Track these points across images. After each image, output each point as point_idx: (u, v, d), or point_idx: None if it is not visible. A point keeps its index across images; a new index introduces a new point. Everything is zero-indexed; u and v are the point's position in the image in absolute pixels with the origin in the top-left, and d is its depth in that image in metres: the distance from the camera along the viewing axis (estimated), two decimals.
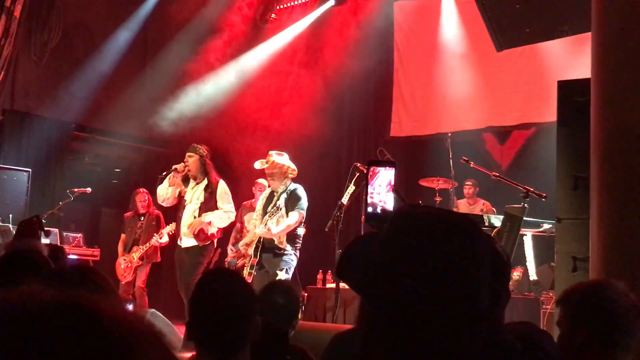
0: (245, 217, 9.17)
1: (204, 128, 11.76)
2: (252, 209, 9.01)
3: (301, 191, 7.50)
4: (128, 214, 9.68)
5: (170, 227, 8.84)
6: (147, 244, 9.12)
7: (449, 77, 11.52)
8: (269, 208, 7.41)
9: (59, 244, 8.77)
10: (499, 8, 5.46)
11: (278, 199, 7.45)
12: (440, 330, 1.18)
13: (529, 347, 1.79)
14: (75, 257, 9.58)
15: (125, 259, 9.28)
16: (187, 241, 7.82)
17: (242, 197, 9.58)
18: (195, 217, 7.76)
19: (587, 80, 4.43)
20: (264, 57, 12.64)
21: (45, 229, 3.19)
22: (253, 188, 9.49)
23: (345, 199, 7.69)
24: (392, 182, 4.20)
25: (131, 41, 11.67)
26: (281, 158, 7.55)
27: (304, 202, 7.45)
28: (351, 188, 7.74)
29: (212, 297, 2.44)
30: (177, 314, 8.13)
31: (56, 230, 9.75)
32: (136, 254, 9.19)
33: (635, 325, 2.43)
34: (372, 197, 4.42)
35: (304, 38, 12.73)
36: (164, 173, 8.09)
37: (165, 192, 7.98)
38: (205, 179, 7.86)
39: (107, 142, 12.05)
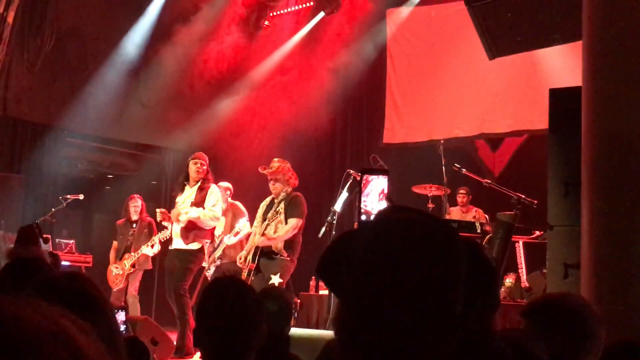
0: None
1: (198, 135, 11.77)
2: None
3: (301, 199, 7.58)
4: (120, 220, 9.66)
5: (163, 234, 8.84)
6: (139, 252, 9.11)
7: (442, 85, 11.56)
8: (269, 214, 7.46)
9: (51, 250, 8.75)
10: (491, 17, 5.49)
11: (278, 205, 7.51)
12: (414, 335, 1.19)
13: (519, 353, 1.80)
14: (67, 263, 9.56)
15: (117, 267, 9.26)
16: (177, 242, 7.86)
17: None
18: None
19: (578, 88, 4.46)
20: (258, 64, 12.66)
21: (44, 235, 3.21)
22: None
23: (338, 206, 7.71)
24: (385, 190, 4.23)
25: (125, 47, 11.67)
26: (285, 165, 7.62)
27: (303, 210, 7.49)
28: (344, 195, 7.76)
29: (219, 304, 2.47)
30: (170, 321, 8.13)
31: (49, 236, 9.72)
32: (128, 261, 9.16)
33: (600, 333, 2.49)
34: (365, 205, 4.44)
35: (297, 46, 12.76)
36: (181, 179, 8.13)
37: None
38: (200, 182, 7.92)
39: (100, 148, 12.03)
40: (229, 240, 8.66)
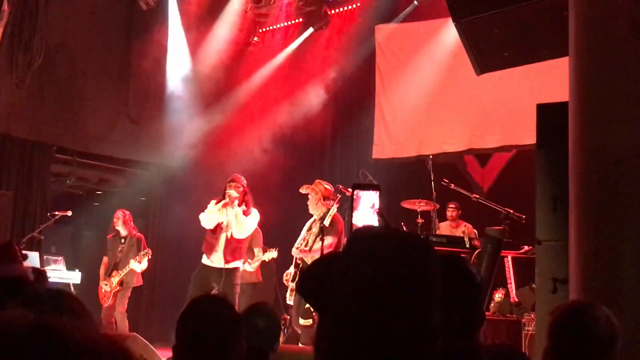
0: None
1: (187, 150, 11.76)
2: None
3: (338, 218, 7.80)
4: (110, 235, 9.64)
5: (147, 253, 8.93)
6: (126, 268, 9.08)
7: (430, 100, 11.60)
8: (307, 233, 7.87)
9: (39, 267, 8.70)
10: (478, 32, 5.52)
11: (315, 223, 7.83)
12: (391, 347, 1.20)
13: None
14: (56, 280, 9.50)
15: (105, 284, 9.23)
16: (220, 262, 7.86)
17: None
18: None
19: (565, 103, 4.48)
20: (248, 80, 12.68)
21: (23, 252, 3.18)
22: None
23: (327, 221, 7.71)
24: (376, 205, 4.23)
25: (113, 63, 11.67)
26: (324, 186, 8.04)
27: (340, 228, 7.74)
28: (334, 209, 7.77)
29: (198, 322, 2.50)
30: (158, 338, 8.10)
31: (36, 253, 9.67)
32: (115, 278, 9.14)
33: (612, 352, 2.49)
34: (356, 220, 4.44)
35: (286, 62, 12.79)
36: (216, 202, 8.04)
37: (208, 218, 7.98)
38: (243, 206, 7.96)
39: (89, 164, 12.00)
40: (250, 267, 9.06)
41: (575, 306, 2.86)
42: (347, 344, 1.21)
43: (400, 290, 1.21)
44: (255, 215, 8.00)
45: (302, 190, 8.06)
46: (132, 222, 9.61)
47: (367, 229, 1.40)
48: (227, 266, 7.81)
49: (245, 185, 8.04)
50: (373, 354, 1.19)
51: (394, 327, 1.20)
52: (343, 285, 1.24)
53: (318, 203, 7.87)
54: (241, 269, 8.15)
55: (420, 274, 1.24)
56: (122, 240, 9.44)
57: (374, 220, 3.97)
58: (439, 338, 1.25)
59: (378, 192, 3.85)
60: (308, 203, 8.02)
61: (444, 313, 1.27)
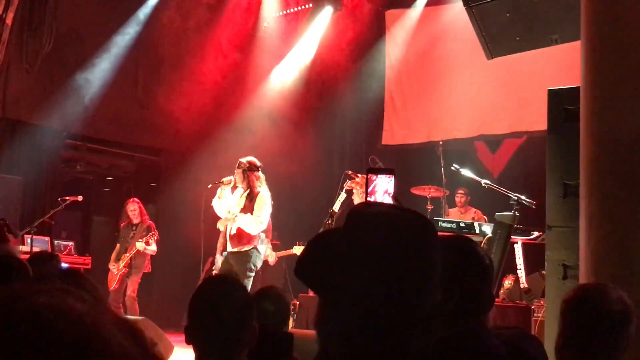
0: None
1: (197, 138, 11.77)
2: None
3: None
4: (123, 223, 9.70)
5: (153, 235, 8.99)
6: (133, 250, 9.17)
7: (440, 86, 11.56)
8: None
9: (50, 251, 8.74)
10: (490, 17, 5.49)
11: None
12: (393, 326, 1.19)
13: (513, 351, 1.80)
14: (66, 265, 9.56)
15: (114, 265, 9.33)
16: (229, 246, 7.82)
17: None
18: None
19: (577, 88, 4.45)
20: (258, 66, 12.66)
21: (12, 230, 3.15)
22: None
23: (336, 207, 7.72)
24: (390, 190, 4.21)
25: (123, 49, 11.67)
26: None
27: None
28: (342, 196, 7.77)
29: (208, 302, 2.52)
30: (169, 322, 8.14)
31: (47, 238, 9.72)
32: (122, 261, 9.23)
33: (626, 329, 2.50)
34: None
35: (297, 47, 12.76)
36: (211, 186, 8.03)
37: (218, 205, 7.96)
38: (249, 189, 7.84)
39: (99, 150, 12.03)
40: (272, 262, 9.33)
41: (589, 285, 2.90)
42: (348, 324, 1.21)
43: (400, 266, 1.21)
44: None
45: (346, 186, 8.08)
46: (144, 210, 9.71)
47: (365, 205, 1.38)
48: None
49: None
50: (375, 331, 1.19)
51: (396, 304, 1.19)
52: (338, 265, 1.23)
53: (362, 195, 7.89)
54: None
55: (420, 249, 1.24)
56: (134, 227, 9.52)
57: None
58: (438, 316, 1.24)
59: (392, 176, 3.83)
60: (353, 198, 8.02)
61: (448, 292, 1.26)
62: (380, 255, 1.22)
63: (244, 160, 7.94)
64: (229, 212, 7.80)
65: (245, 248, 7.76)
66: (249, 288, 7.75)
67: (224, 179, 7.91)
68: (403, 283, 1.21)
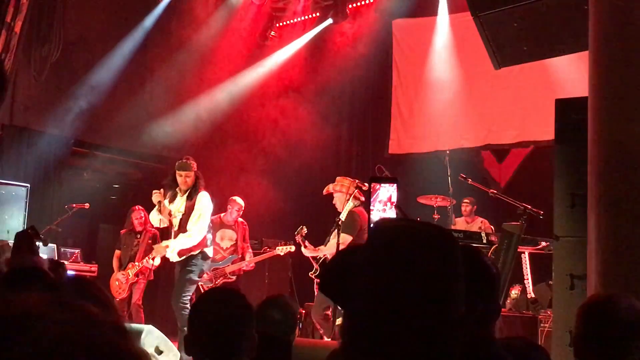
0: (218, 234, 9.25)
1: (203, 145, 11.78)
2: (222, 224, 9.39)
3: (358, 213, 7.78)
4: (124, 230, 9.68)
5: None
6: (142, 262, 9.14)
7: (447, 95, 11.56)
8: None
9: (56, 259, 8.75)
10: (497, 26, 5.49)
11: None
12: (418, 339, 1.19)
13: None
14: (72, 272, 9.56)
15: (122, 274, 9.28)
16: (172, 256, 7.89)
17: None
18: (173, 233, 7.86)
19: (584, 98, 4.44)
20: (263, 74, 12.68)
21: (41, 237, 3.14)
22: (228, 205, 9.50)
23: (343, 215, 7.70)
24: (393, 199, 4.22)
25: (131, 57, 11.70)
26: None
27: (360, 223, 7.68)
28: (349, 204, 7.76)
29: (207, 313, 2.53)
30: (174, 331, 8.11)
31: (54, 245, 9.73)
32: (132, 270, 9.18)
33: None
34: (372, 213, 4.43)
35: (303, 55, 12.78)
36: (155, 197, 8.06)
37: (157, 220, 8.09)
38: (190, 191, 7.83)
39: (106, 157, 12.05)
40: (247, 266, 9.36)
41: (601, 295, 2.93)
42: (373, 335, 1.20)
43: (426, 281, 1.20)
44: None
45: (330, 189, 8.11)
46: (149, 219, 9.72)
47: (388, 220, 1.39)
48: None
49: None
50: (399, 344, 1.19)
51: (421, 318, 1.19)
52: (365, 279, 1.23)
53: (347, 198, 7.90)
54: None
55: (445, 263, 1.24)
56: (138, 235, 9.50)
57: (391, 213, 3.96)
58: (463, 329, 1.24)
59: (395, 185, 3.83)
60: (334, 202, 8.06)
61: (467, 303, 1.26)
62: (405, 266, 1.22)
63: (190, 161, 7.93)
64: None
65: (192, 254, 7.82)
66: (191, 292, 7.77)
67: (154, 196, 8.02)
68: (428, 294, 1.21)
